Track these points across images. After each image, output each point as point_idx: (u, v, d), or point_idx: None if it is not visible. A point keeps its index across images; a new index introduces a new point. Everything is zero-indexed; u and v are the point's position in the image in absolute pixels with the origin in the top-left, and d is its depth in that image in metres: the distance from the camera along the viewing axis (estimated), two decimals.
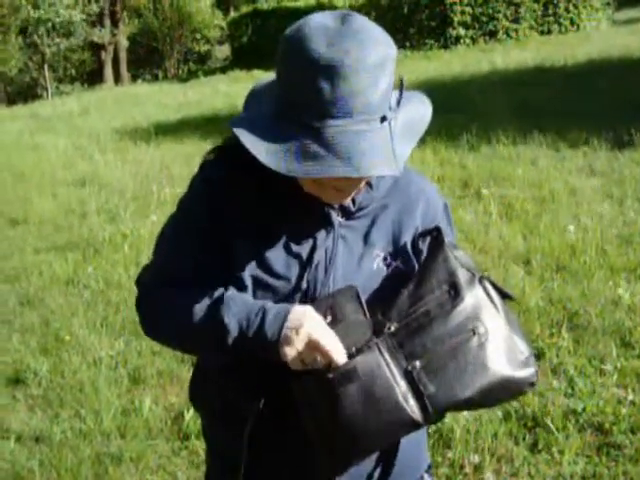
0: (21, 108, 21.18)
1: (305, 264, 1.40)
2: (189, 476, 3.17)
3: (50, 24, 26.61)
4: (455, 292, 1.34)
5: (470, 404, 1.33)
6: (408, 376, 1.29)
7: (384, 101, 1.23)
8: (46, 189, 8.82)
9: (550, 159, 7.45)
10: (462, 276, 1.36)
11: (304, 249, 1.41)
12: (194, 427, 3.42)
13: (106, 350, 4.32)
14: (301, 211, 1.41)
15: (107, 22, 30.54)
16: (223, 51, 31.55)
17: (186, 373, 3.95)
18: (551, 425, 3.18)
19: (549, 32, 20.77)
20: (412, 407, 1.28)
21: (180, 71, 30.08)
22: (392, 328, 1.32)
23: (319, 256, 1.41)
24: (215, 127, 11.83)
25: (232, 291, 1.38)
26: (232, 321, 1.34)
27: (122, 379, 4.00)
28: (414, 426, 1.30)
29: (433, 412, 1.29)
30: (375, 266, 1.43)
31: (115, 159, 10.31)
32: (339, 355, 1.29)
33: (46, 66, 27.51)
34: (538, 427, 3.21)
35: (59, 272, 5.80)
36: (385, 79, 1.22)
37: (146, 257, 5.83)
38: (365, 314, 1.33)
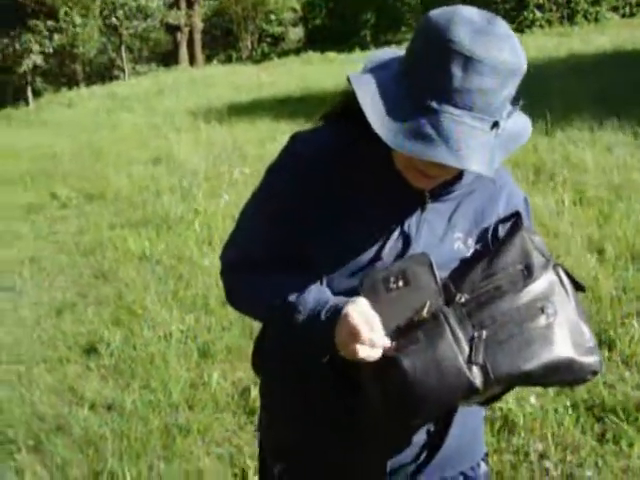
0: (99, 88, 21.69)
1: (386, 240, 1.42)
2: (254, 450, 3.22)
3: (127, 7, 27.08)
4: (528, 272, 1.36)
5: (531, 379, 1.33)
6: (473, 343, 1.31)
7: (502, 107, 1.26)
8: (122, 167, 9.04)
9: (628, 146, 7.24)
10: (537, 259, 1.38)
11: (388, 227, 1.43)
12: None
13: (176, 324, 4.42)
14: (389, 191, 1.43)
15: (183, 4, 30.89)
16: (297, 33, 31.58)
17: None
18: (621, 416, 3.11)
19: (631, 15, 20.09)
20: (474, 373, 1.29)
21: (254, 53, 30.26)
22: (462, 299, 1.34)
23: (402, 233, 1.43)
24: (288, 109, 11.90)
25: (297, 295, 1.41)
26: (294, 331, 1.40)
27: (191, 353, 4.09)
28: (474, 392, 1.30)
29: (494, 381, 1.30)
30: (455, 247, 1.46)
31: (189, 139, 10.48)
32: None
33: (123, 47, 28.03)
34: (607, 418, 3.14)
35: (133, 247, 5.95)
36: (510, 87, 1.25)
37: (217, 235, 5.93)
38: (436, 282, 1.35)
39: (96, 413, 3.61)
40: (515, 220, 1.45)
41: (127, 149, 10.14)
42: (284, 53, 25.81)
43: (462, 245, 1.46)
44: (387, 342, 1.30)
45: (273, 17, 30.84)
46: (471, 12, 1.26)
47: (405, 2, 22.47)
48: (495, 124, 1.25)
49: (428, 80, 1.23)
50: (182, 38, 31.18)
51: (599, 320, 3.90)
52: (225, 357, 4.03)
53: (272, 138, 9.79)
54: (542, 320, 1.32)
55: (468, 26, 1.22)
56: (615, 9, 20.18)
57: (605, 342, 3.73)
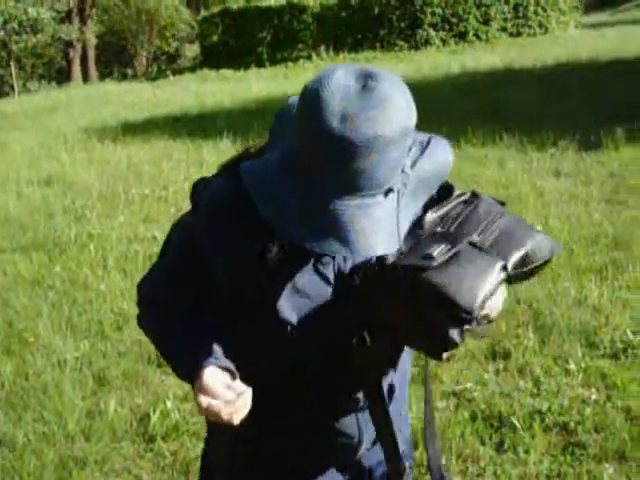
0: None
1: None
2: (154, 478, 3.13)
3: (17, 21, 26.18)
4: (471, 196, 1.45)
5: (525, 261, 1.36)
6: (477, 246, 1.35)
7: (393, 173, 1.20)
8: (11, 188, 8.70)
9: (518, 161, 7.51)
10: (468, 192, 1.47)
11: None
12: (160, 429, 3.39)
13: (71, 352, 4.26)
14: None
15: (75, 19, 30.13)
16: (193, 50, 31.34)
17: (152, 375, 3.91)
18: (517, 425, 3.20)
19: (518, 34, 21.00)
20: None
21: (149, 70, 29.85)
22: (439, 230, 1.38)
23: None
24: (184, 127, 11.78)
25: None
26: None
27: (87, 381, 3.95)
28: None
29: (512, 269, 1.34)
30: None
31: (82, 158, 10.20)
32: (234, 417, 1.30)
33: (12, 63, 27.08)
34: (504, 427, 3.22)
35: (24, 272, 5.71)
36: (397, 152, 1.18)
37: (112, 258, 5.78)
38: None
39: None
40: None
41: (16, 170, 9.76)
42: (180, 71, 25.55)
43: None
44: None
45: (168, 33, 30.50)
46: (345, 76, 1.18)
47: (301, 20, 22.67)
48: (389, 190, 1.20)
49: (308, 165, 1.18)
50: (75, 54, 30.40)
51: (494, 331, 4.00)
52: (122, 383, 3.91)
53: (168, 156, 9.65)
54: (510, 214, 1.42)
55: (338, 101, 1.14)
56: (504, 29, 21.03)
57: (500, 352, 3.84)
